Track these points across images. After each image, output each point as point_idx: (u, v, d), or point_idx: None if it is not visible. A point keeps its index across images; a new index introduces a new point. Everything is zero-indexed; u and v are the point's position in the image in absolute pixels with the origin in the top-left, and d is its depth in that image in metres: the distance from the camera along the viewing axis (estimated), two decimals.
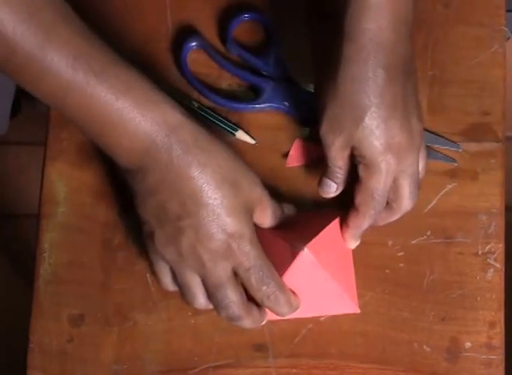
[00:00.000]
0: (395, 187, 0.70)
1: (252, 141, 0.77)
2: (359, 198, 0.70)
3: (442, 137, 0.77)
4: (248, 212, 0.69)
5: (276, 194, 0.74)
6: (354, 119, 0.67)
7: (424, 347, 0.74)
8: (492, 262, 0.75)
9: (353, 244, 0.73)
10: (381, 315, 0.75)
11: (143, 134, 0.66)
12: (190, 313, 0.75)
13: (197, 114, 0.77)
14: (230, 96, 0.78)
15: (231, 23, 0.78)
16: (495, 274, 0.75)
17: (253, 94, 0.78)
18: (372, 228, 0.73)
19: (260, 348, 0.74)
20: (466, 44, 0.79)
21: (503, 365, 0.74)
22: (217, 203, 0.67)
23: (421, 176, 0.72)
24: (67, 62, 0.63)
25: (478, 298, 0.75)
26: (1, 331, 1.29)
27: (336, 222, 0.73)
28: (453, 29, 0.79)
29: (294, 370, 0.74)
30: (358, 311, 0.74)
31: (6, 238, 1.42)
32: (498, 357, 0.74)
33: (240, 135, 0.77)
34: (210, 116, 0.77)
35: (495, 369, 0.74)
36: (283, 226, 0.73)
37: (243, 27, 0.79)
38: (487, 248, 0.75)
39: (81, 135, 0.77)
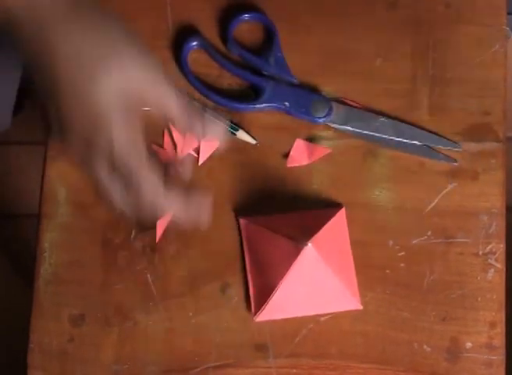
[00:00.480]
0: None
1: (253, 141, 0.77)
2: None
3: (443, 137, 0.77)
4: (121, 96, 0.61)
5: (277, 194, 0.74)
6: None
7: (425, 347, 0.74)
8: (492, 262, 0.75)
9: None
10: (381, 315, 0.75)
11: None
12: (190, 313, 0.75)
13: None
14: (231, 96, 0.78)
15: (231, 22, 0.78)
16: (495, 274, 0.75)
17: (253, 93, 0.78)
18: (372, 226, 0.73)
19: (260, 348, 0.74)
20: (467, 44, 0.79)
21: (504, 365, 0.74)
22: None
23: None
24: None
25: (479, 299, 0.75)
26: (1, 331, 1.29)
27: (337, 217, 0.74)
28: (454, 29, 0.79)
29: (294, 370, 0.74)
30: (360, 307, 0.74)
31: (6, 238, 1.42)
32: (498, 357, 0.74)
33: (241, 135, 0.77)
34: (210, 115, 0.77)
35: (495, 370, 0.74)
36: (285, 225, 0.73)
37: (244, 27, 0.79)
38: (488, 248, 0.75)
39: None
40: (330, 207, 0.76)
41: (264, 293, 0.73)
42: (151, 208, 0.64)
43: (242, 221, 0.76)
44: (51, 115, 0.62)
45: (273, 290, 0.72)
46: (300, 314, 0.73)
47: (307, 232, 0.71)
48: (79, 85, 0.60)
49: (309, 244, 0.70)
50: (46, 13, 0.59)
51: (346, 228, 0.75)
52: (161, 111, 0.63)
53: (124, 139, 0.61)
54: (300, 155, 0.77)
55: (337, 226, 0.74)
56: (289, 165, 0.77)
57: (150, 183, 0.62)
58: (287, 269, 0.71)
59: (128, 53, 0.61)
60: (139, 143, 0.62)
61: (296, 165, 0.77)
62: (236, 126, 0.77)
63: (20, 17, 0.59)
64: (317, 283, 0.72)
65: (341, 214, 0.75)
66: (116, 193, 0.64)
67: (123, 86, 0.61)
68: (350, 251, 0.75)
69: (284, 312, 0.73)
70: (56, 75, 0.59)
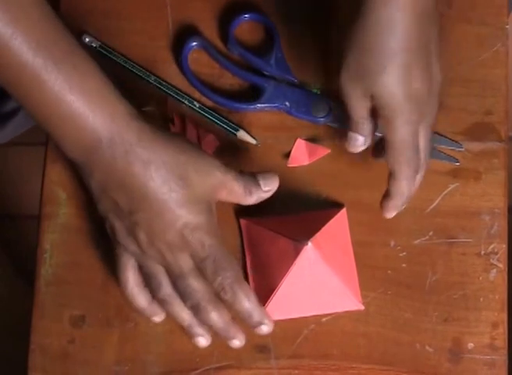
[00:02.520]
0: (416, 135, 0.68)
1: (253, 141, 0.77)
2: (390, 160, 0.68)
3: (445, 136, 0.77)
4: (204, 201, 0.68)
5: (278, 194, 0.74)
6: (377, 64, 0.65)
7: (427, 348, 0.74)
8: (495, 262, 0.75)
9: (391, 214, 0.71)
10: (383, 316, 0.74)
11: (89, 131, 0.66)
12: None
13: (198, 114, 0.77)
14: (231, 96, 0.78)
15: (232, 22, 0.78)
16: (498, 275, 0.75)
17: (254, 94, 0.78)
18: (374, 226, 0.73)
19: (262, 349, 0.74)
20: (468, 43, 0.79)
21: (506, 366, 0.74)
22: (166, 197, 0.66)
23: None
24: (30, 45, 0.63)
25: (481, 299, 0.74)
26: (2, 332, 1.29)
27: (338, 217, 0.74)
28: (455, 28, 0.79)
29: (296, 371, 0.74)
30: (362, 307, 0.74)
31: (7, 239, 1.42)
32: (501, 358, 0.74)
33: (242, 135, 0.77)
34: (211, 116, 0.77)
35: (498, 370, 0.73)
36: (286, 225, 0.73)
37: (244, 27, 0.79)
38: (490, 248, 0.75)
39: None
40: (331, 207, 0.76)
41: (265, 293, 0.73)
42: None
43: (242, 222, 0.75)
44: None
45: (274, 290, 0.72)
46: (300, 315, 0.73)
47: (308, 232, 0.71)
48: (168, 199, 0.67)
49: (309, 244, 0.70)
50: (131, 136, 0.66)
51: (348, 228, 0.75)
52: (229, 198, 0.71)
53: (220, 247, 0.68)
54: (300, 155, 0.77)
55: (338, 226, 0.74)
56: (289, 165, 0.77)
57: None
58: (288, 269, 0.71)
59: (199, 158, 0.68)
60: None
61: (297, 165, 0.77)
62: (236, 126, 0.77)
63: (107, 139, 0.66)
64: (317, 283, 0.72)
65: (342, 214, 0.75)
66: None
67: (208, 190, 0.68)
68: (352, 252, 0.75)
69: (285, 313, 0.73)
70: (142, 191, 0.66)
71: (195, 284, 0.68)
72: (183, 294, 0.69)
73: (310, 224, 0.73)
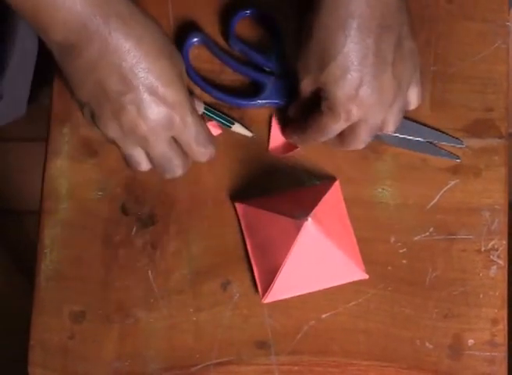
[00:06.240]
0: (353, 128, 0.71)
1: (249, 134, 0.77)
2: (311, 122, 0.72)
3: (445, 133, 0.77)
4: (184, 82, 0.70)
5: (278, 190, 0.74)
6: (321, 64, 0.69)
7: (427, 344, 0.74)
8: (495, 259, 0.75)
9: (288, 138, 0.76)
10: (383, 312, 0.74)
11: (80, 6, 0.65)
12: (191, 310, 0.75)
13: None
14: (232, 92, 0.78)
15: (233, 18, 0.78)
16: (498, 271, 0.75)
17: (255, 89, 0.78)
18: (374, 222, 0.73)
19: (262, 345, 0.74)
20: (469, 40, 0.79)
21: (506, 362, 0.74)
22: (156, 75, 0.67)
23: (387, 130, 0.71)
24: None
25: (481, 295, 0.74)
26: (2, 327, 1.29)
27: (333, 190, 0.74)
28: (456, 24, 0.79)
29: (296, 368, 0.74)
30: (366, 276, 0.74)
31: (8, 235, 1.42)
32: (501, 354, 0.74)
33: (237, 128, 0.77)
34: (207, 110, 0.77)
35: (498, 367, 0.74)
36: (282, 204, 0.73)
37: (246, 23, 0.79)
38: (490, 244, 0.75)
39: (82, 131, 0.77)
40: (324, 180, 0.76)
41: (270, 274, 0.73)
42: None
43: (239, 206, 0.75)
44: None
45: (278, 270, 0.72)
46: (307, 291, 0.73)
47: (305, 208, 0.71)
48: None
49: (309, 219, 0.70)
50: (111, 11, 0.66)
51: (343, 201, 0.75)
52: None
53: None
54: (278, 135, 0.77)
55: (334, 199, 0.74)
56: (271, 150, 0.77)
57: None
58: (290, 247, 0.71)
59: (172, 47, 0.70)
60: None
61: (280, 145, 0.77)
62: (231, 119, 0.77)
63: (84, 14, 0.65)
64: (320, 257, 0.72)
65: (336, 187, 0.75)
66: None
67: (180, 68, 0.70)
68: (349, 223, 0.75)
69: (291, 291, 0.73)
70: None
71: (177, 160, 0.71)
72: (164, 170, 0.72)
73: (305, 200, 0.73)
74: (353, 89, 0.68)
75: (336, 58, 0.67)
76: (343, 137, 0.72)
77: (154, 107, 0.68)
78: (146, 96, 0.67)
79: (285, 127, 0.77)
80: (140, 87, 0.67)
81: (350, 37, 0.67)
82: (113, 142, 0.70)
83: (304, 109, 0.74)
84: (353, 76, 0.68)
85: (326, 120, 0.70)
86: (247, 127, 0.77)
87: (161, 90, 0.67)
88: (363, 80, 0.68)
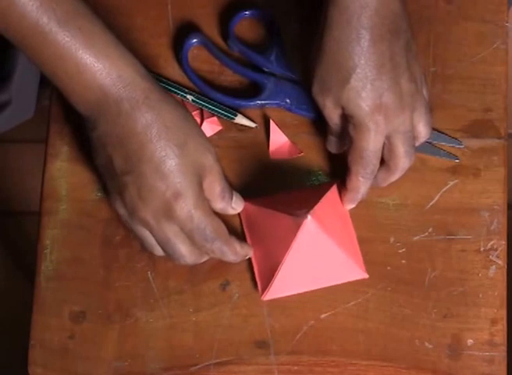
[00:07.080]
0: (389, 145, 0.71)
1: (252, 125, 0.77)
2: (350, 158, 0.72)
3: (444, 133, 0.77)
4: (195, 175, 0.69)
5: (278, 188, 0.74)
6: (340, 80, 0.69)
7: (426, 344, 0.74)
8: (494, 259, 0.75)
9: (350, 206, 0.75)
10: (382, 312, 0.75)
11: (96, 87, 0.66)
12: (191, 310, 0.75)
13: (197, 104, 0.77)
14: (231, 93, 0.78)
15: (232, 19, 0.78)
16: (497, 271, 0.75)
17: (254, 90, 0.78)
18: (373, 222, 0.73)
19: (261, 345, 0.74)
20: (468, 41, 0.79)
21: (506, 362, 0.74)
22: (160, 162, 0.67)
23: (423, 135, 0.72)
24: (33, 5, 0.63)
25: (480, 295, 0.75)
26: (3, 327, 1.29)
27: (334, 188, 0.74)
28: (455, 25, 0.79)
29: (295, 367, 0.74)
30: (366, 276, 0.74)
31: (8, 235, 1.42)
32: (500, 354, 0.74)
33: (240, 119, 0.77)
34: (208, 104, 0.77)
35: (497, 367, 0.74)
36: (282, 203, 0.73)
37: (245, 24, 0.79)
38: (489, 244, 0.75)
39: (82, 132, 0.77)
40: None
41: (270, 272, 0.73)
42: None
43: None
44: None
45: (278, 267, 0.72)
46: (306, 289, 0.73)
47: (305, 206, 0.71)
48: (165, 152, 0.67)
49: (309, 217, 0.70)
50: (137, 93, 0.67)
51: None
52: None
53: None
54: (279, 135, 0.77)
55: (335, 199, 0.74)
56: (271, 150, 0.77)
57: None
58: (289, 245, 0.71)
59: (199, 136, 0.70)
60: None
61: (279, 148, 0.77)
62: (234, 111, 0.77)
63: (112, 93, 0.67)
64: (320, 255, 0.72)
65: (336, 187, 0.75)
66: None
67: (196, 161, 0.69)
68: (351, 222, 0.75)
69: (291, 289, 0.73)
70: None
71: (182, 249, 0.70)
72: (172, 257, 0.71)
73: (306, 199, 0.73)
74: (377, 98, 0.68)
75: (355, 72, 0.68)
76: (386, 163, 0.72)
77: (154, 192, 0.67)
78: (147, 180, 0.67)
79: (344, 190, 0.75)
80: (143, 170, 0.67)
81: (365, 48, 0.67)
82: (123, 220, 0.71)
83: (341, 143, 0.74)
84: (374, 86, 0.68)
85: (359, 141, 0.70)
86: (248, 117, 0.77)
87: (165, 177, 0.67)
88: (384, 88, 0.68)
